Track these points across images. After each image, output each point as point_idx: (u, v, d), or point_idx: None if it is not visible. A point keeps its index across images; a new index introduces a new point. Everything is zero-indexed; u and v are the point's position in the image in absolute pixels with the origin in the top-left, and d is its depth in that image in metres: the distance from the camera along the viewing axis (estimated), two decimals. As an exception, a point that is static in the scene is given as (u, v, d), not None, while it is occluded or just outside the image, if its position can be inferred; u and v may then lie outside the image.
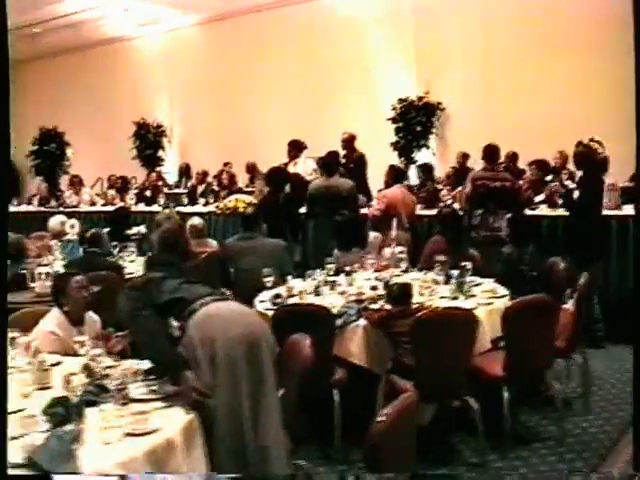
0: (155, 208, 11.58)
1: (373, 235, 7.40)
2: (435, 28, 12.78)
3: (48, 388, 3.51)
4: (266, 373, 3.32)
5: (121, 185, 13.29)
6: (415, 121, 13.01)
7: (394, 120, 13.03)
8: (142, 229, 9.26)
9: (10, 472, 2.44)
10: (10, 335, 3.91)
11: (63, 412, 3.00)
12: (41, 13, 15.22)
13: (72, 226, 7.81)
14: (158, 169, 15.52)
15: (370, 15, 13.48)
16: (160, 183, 13.63)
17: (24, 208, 14.49)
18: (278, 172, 8.37)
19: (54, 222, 8.58)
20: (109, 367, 3.39)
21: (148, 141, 16.04)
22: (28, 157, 16.35)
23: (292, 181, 8.20)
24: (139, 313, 3.39)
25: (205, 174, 13.01)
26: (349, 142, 9.90)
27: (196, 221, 7.80)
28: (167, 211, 8.58)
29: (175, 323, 3.36)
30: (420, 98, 12.94)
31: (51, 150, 15.72)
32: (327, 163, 8.00)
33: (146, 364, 3.53)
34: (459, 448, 4.79)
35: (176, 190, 13.56)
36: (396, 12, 13.21)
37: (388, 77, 13.46)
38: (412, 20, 13.10)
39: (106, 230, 9.06)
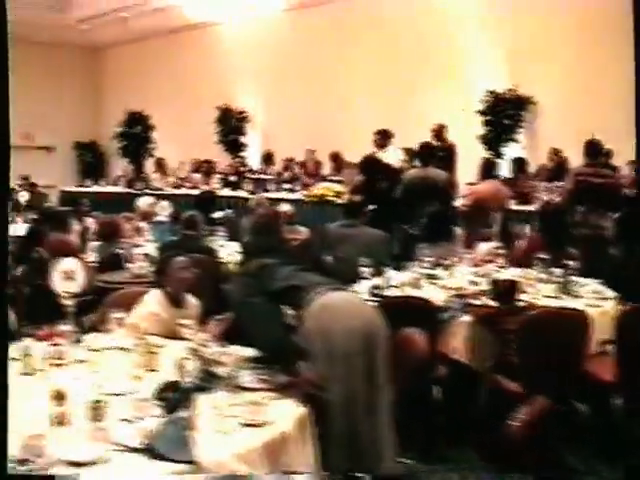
0: (241, 193, 11.60)
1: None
2: (529, 19, 12.37)
3: (154, 371, 3.47)
4: (380, 368, 3.20)
5: (206, 169, 13.31)
6: (504, 114, 12.63)
7: (483, 112, 12.67)
8: (229, 212, 9.23)
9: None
10: (115, 315, 3.91)
11: (176, 397, 2.94)
12: (130, -1, 15.38)
13: (163, 208, 7.81)
14: (241, 154, 15.47)
15: (461, 5, 13.16)
16: (244, 169, 13.59)
17: (111, 189, 14.73)
18: (373, 161, 8.24)
19: (143, 203, 8.62)
20: (219, 353, 3.27)
21: (231, 126, 16.02)
22: (115, 139, 16.61)
23: (386, 171, 8.02)
24: (252, 299, 3.28)
25: (291, 161, 12.94)
26: (439, 132, 9.69)
27: (286, 207, 7.72)
28: (258, 197, 8.48)
29: (290, 311, 3.24)
30: (510, 91, 12.55)
31: (137, 133, 15.86)
32: (423, 153, 7.82)
33: (251, 351, 3.44)
34: (563, 454, 4.54)
35: (260, 176, 13.48)
36: (488, 1, 12.85)
37: (477, 68, 13.09)
38: (505, 10, 12.72)
39: (190, 213, 9.13)
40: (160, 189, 12.93)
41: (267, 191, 11.46)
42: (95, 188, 15.32)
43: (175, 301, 4.47)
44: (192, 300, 4.61)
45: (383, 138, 9.80)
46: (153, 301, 4.42)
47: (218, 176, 13.25)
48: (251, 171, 14.00)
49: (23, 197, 11.10)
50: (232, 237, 7.76)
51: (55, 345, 3.50)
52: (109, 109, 19.23)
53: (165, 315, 4.34)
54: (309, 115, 14.77)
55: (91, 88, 19.77)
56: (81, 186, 16.17)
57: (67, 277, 3.41)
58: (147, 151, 16.22)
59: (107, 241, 6.82)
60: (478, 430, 4.49)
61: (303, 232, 7.59)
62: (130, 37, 17.82)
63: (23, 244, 6.23)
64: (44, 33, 17.17)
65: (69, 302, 3.44)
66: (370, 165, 8.08)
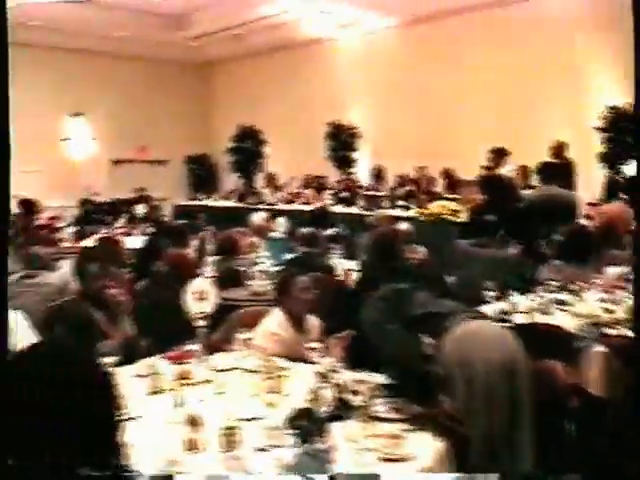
0: (354, 210, 11.51)
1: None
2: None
3: (281, 394, 3.39)
4: (523, 401, 2.99)
5: (318, 185, 13.32)
6: (626, 131, 12.06)
7: (602, 129, 12.16)
8: (342, 229, 9.15)
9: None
10: (242, 335, 3.84)
11: (310, 426, 2.82)
12: (244, 15, 15.56)
13: (280, 224, 7.78)
14: (351, 170, 15.42)
15: (578, 17, 12.69)
16: (355, 185, 13.53)
17: (223, 203, 14.92)
18: (495, 180, 7.97)
19: (257, 219, 8.62)
20: (352, 380, 3.14)
21: (342, 142, 16.01)
22: (226, 153, 16.83)
23: (509, 190, 7.76)
24: (387, 325, 3.14)
25: (404, 177, 12.79)
26: (559, 150, 9.36)
27: (404, 226, 7.56)
28: (379, 214, 8.36)
29: (428, 339, 3.08)
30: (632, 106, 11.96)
31: (248, 147, 16.02)
32: (544, 172, 7.54)
33: (382, 377, 3.30)
34: None
35: (372, 192, 13.38)
36: (608, 13, 12.34)
37: (596, 83, 12.61)
38: (627, 22, 12.23)
39: (304, 229, 9.08)
40: (272, 204, 12.99)
41: (381, 208, 11.30)
42: (208, 202, 15.55)
43: (296, 322, 4.39)
44: (313, 320, 4.53)
45: (499, 156, 9.59)
46: (274, 321, 4.35)
47: (329, 192, 13.18)
48: (362, 187, 13.90)
49: (141, 211, 11.30)
50: (347, 255, 7.67)
51: (182, 364, 3.45)
52: (220, 124, 19.58)
53: (286, 336, 4.26)
54: (420, 132, 14.61)
55: (202, 103, 20.21)
56: (194, 200, 16.46)
57: (200, 298, 3.38)
58: (258, 166, 16.36)
59: (225, 257, 6.81)
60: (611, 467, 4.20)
61: (421, 251, 7.39)
62: (242, 53, 18.17)
63: (142, 257, 6.30)
64: (157, 50, 17.66)
65: (202, 322, 3.40)
66: (493, 184, 7.80)
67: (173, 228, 7.78)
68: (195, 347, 3.48)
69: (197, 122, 19.83)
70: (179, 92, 19.27)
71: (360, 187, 13.98)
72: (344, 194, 12.78)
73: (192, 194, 18.26)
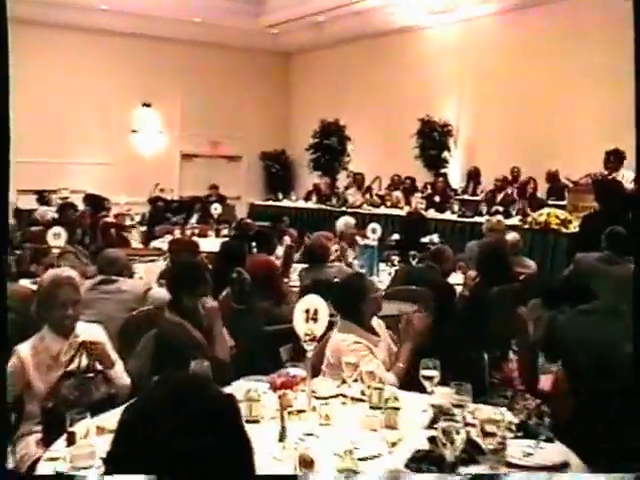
0: (448, 216, 11.31)
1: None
2: None
3: (395, 429, 3.23)
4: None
5: (409, 187, 13.16)
6: None
7: None
8: (435, 238, 8.98)
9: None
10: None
11: (436, 471, 2.66)
12: (327, 1, 15.50)
13: (374, 230, 7.64)
14: (442, 171, 15.20)
15: None
16: (447, 187, 13.33)
17: (303, 204, 14.88)
18: (613, 186, 7.64)
19: (346, 224, 8.53)
20: (481, 419, 2.94)
21: (433, 140, 15.77)
22: (307, 150, 16.78)
23: (629, 198, 7.41)
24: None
25: (505, 181, 12.50)
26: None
27: (511, 236, 7.32)
28: (494, 220, 8.17)
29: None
30: None
31: (331, 144, 15.96)
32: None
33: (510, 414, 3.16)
34: None
35: (465, 196, 13.15)
36: None
37: None
38: None
39: (394, 237, 8.93)
40: (358, 207, 12.88)
41: (479, 214, 11.07)
42: (286, 202, 15.57)
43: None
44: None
45: (615, 160, 9.24)
46: (381, 346, 4.30)
47: (419, 195, 12.99)
48: (453, 190, 13.68)
49: (216, 210, 11.31)
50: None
51: (283, 389, 3.31)
52: (299, 118, 19.60)
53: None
54: (520, 129, 14.21)
55: (280, 95, 20.25)
56: (271, 200, 16.51)
57: (310, 317, 3.24)
58: (341, 164, 16.30)
59: (314, 265, 6.69)
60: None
61: (531, 266, 7.16)
62: (324, 42, 18.11)
63: (221, 262, 6.23)
64: (234, 37, 17.77)
65: (309, 347, 3.25)
66: (610, 190, 7.48)
67: (259, 231, 7.69)
68: (300, 372, 3.34)
69: (274, 116, 19.86)
70: (256, 83, 19.30)
71: (453, 190, 13.69)
72: (436, 198, 12.56)
73: (267, 193, 18.29)
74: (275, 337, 5.09)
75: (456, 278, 7.46)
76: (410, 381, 4.17)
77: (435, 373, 3.47)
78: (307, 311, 3.36)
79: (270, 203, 16.09)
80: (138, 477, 1.40)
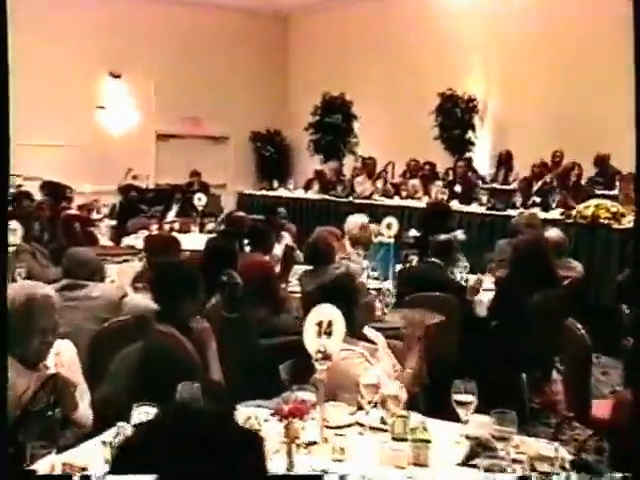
0: (475, 208, 11.27)
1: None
2: None
3: (424, 466, 3.21)
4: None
5: (428, 173, 13.12)
6: None
7: None
8: (460, 235, 8.94)
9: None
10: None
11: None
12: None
13: (389, 226, 7.63)
14: (467, 156, 15.15)
15: None
16: (473, 175, 13.29)
17: (302, 194, 14.84)
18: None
19: (354, 224, 8.45)
20: (535, 457, 2.91)
21: (455, 118, 15.69)
22: (307, 130, 16.74)
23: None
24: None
25: (545, 166, 12.45)
26: None
27: (553, 233, 7.29)
28: (529, 214, 8.14)
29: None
30: None
31: (336, 123, 15.92)
32: None
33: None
34: None
35: (495, 185, 13.10)
36: None
37: None
38: None
39: (412, 233, 8.92)
40: (368, 197, 12.85)
41: (512, 207, 11.03)
42: (282, 192, 15.57)
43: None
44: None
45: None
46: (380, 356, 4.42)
47: (439, 183, 12.95)
48: (483, 179, 13.65)
49: (200, 201, 11.27)
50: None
51: (289, 418, 3.27)
52: (297, 91, 19.58)
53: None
54: (560, 106, 14.13)
55: (275, 65, 20.14)
56: (264, 188, 16.54)
57: (324, 331, 3.19)
58: (347, 147, 16.25)
59: (318, 267, 6.68)
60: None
61: (577, 268, 7.14)
62: (327, 2, 18.05)
63: (208, 263, 6.18)
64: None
65: (321, 366, 3.21)
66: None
67: (253, 227, 7.67)
68: (309, 397, 3.29)
69: (268, 89, 19.74)
70: (247, 50, 19.14)
71: (480, 178, 13.65)
72: (459, 187, 12.52)
73: (259, 181, 18.26)
74: (273, 352, 5.11)
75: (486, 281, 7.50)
76: (431, 404, 4.23)
77: (471, 398, 3.45)
78: (320, 324, 3.34)
79: (263, 192, 16.06)
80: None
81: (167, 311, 4.21)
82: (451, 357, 5.86)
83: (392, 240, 7.71)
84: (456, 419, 3.49)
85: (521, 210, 10.06)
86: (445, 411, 3.62)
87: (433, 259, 6.69)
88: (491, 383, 3.73)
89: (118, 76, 17.66)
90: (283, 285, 6.73)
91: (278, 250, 7.67)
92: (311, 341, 3.34)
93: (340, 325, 3.36)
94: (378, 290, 6.42)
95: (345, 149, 16.48)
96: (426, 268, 6.70)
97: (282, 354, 4.95)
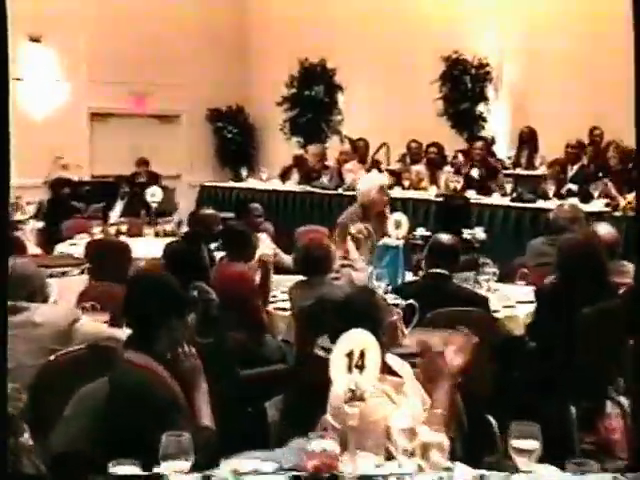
0: (495, 199, 11.28)
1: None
2: None
3: None
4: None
5: (435, 158, 13.11)
6: None
7: None
8: (480, 233, 8.93)
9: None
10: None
11: None
12: None
13: (398, 224, 7.62)
14: (481, 134, 15.19)
15: None
16: (492, 158, 13.33)
17: (279, 185, 14.93)
18: None
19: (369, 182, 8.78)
20: None
21: (464, 89, 15.74)
22: (280, 106, 16.81)
23: None
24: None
25: (581, 147, 12.48)
26: None
27: (603, 229, 7.28)
28: (568, 206, 8.16)
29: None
30: None
31: (316, 96, 15.99)
32: None
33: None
34: None
35: (518, 171, 13.22)
36: None
37: None
38: None
39: (420, 231, 8.92)
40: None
41: (544, 197, 11.05)
42: (253, 183, 15.51)
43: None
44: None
45: None
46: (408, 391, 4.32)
47: (449, 169, 12.95)
48: (502, 163, 13.81)
49: (154, 196, 11.13)
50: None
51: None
52: (265, 57, 19.40)
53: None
54: (596, 70, 14.15)
55: (237, 24, 20.05)
56: (231, 179, 16.53)
57: (355, 364, 3.16)
58: (330, 126, 16.25)
59: (313, 278, 6.74)
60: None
61: (628, 271, 7.11)
62: None
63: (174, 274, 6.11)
64: None
65: (352, 409, 3.16)
66: None
67: (229, 228, 7.65)
68: (332, 447, 3.25)
69: (228, 54, 19.63)
70: (201, 6, 19.04)
71: (498, 161, 13.72)
72: (475, 173, 12.50)
73: (221, 170, 18.20)
74: (256, 384, 5.25)
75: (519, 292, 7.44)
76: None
77: (534, 445, 3.44)
78: (350, 355, 3.32)
79: (230, 184, 15.93)
80: None
81: (141, 337, 4.14)
82: (485, 388, 5.85)
83: (401, 242, 7.62)
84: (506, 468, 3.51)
85: (557, 201, 10.01)
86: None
87: (437, 269, 6.61)
88: (531, 418, 3.63)
89: (38, 39, 17.44)
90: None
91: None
92: (341, 378, 3.32)
93: (375, 355, 3.34)
94: (395, 306, 6.36)
95: (328, 129, 16.51)
96: (429, 283, 6.65)
97: (268, 387, 5.05)
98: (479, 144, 13.67)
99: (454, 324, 5.28)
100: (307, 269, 6.90)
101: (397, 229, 7.70)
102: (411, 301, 5.82)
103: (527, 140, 14.25)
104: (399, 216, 7.92)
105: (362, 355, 3.33)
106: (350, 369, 3.29)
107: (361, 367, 3.29)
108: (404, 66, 16.46)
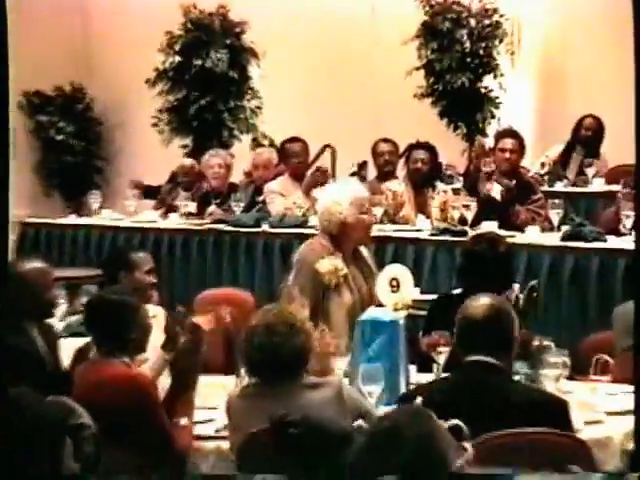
0: (535, 237, 11.37)
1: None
2: None
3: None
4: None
5: (425, 167, 12.92)
6: None
7: None
8: (516, 290, 8.86)
9: None
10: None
11: None
12: None
13: (394, 283, 7.41)
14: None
15: None
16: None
17: (152, 222, 14.38)
18: None
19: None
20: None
21: (459, 54, 15.81)
22: (152, 86, 16.88)
23: None
24: None
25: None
26: None
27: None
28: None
29: None
30: None
31: (213, 68, 16.04)
32: None
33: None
34: None
35: (564, 186, 13.72)
36: None
37: None
38: None
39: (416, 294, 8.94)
40: (299, 224, 12.33)
41: (615, 232, 11.11)
42: (107, 217, 15.01)
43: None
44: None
45: None
46: None
47: (444, 187, 12.85)
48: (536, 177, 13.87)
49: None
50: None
51: None
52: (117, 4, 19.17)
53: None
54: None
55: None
56: (71, 212, 16.20)
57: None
58: (240, 118, 16.16)
59: (280, 383, 6.33)
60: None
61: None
62: None
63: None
64: None
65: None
66: None
67: (100, 301, 7.11)
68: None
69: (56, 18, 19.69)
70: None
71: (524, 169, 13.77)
72: (496, 191, 12.04)
73: (48, 196, 18.33)
74: None
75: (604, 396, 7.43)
76: None
77: None
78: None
79: (73, 221, 15.36)
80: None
81: None
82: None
83: (402, 315, 7.06)
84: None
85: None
86: None
87: (480, 356, 6.11)
88: None
89: None
90: (183, 421, 6.42)
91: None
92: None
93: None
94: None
95: (236, 124, 16.30)
96: (469, 381, 6.18)
97: None
98: (509, 142, 13.19)
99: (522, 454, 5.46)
100: (268, 370, 6.34)
101: (394, 292, 7.22)
102: (456, 421, 5.42)
103: (587, 138, 14.06)
104: (397, 270, 7.49)
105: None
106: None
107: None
108: (357, 19, 16.27)
